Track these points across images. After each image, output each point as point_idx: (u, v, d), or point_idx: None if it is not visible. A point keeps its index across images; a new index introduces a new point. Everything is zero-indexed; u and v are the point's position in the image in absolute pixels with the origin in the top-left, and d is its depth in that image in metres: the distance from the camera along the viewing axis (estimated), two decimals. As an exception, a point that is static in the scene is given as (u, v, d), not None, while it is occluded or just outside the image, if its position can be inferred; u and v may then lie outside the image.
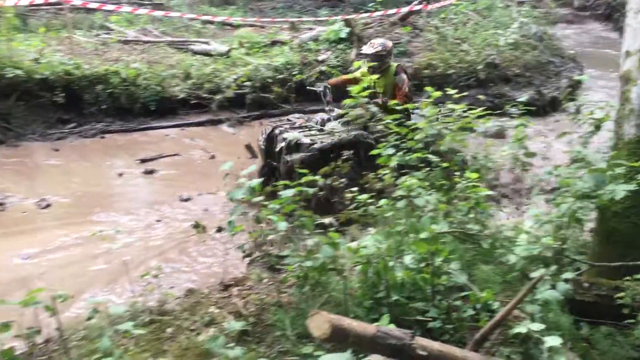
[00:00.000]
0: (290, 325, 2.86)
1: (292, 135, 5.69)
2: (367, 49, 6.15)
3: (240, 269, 4.19)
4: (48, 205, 6.27)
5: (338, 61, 10.63)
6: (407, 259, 2.91)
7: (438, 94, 4.02)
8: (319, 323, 2.07)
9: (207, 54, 10.82)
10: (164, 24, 12.59)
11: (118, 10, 11.61)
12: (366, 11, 12.57)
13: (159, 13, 12.14)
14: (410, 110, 6.00)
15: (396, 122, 5.16)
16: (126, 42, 11.02)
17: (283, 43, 11.32)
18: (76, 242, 5.49)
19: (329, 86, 6.25)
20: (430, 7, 12.60)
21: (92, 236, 5.30)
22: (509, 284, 3.05)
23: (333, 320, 2.06)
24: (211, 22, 12.80)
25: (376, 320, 2.62)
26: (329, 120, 6.15)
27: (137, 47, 10.84)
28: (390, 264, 2.95)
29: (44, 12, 11.75)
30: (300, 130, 5.90)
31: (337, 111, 6.13)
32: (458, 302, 2.83)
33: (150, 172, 7.28)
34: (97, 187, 6.91)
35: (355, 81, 6.27)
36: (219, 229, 4.72)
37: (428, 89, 4.21)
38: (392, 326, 2.31)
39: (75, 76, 8.88)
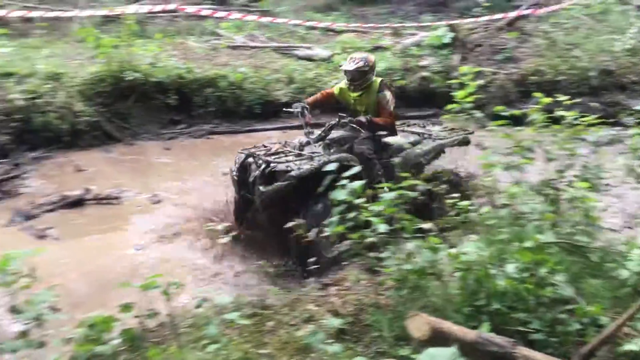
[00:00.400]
0: (387, 327, 2.88)
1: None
2: (347, 65, 5.47)
3: (338, 270, 4.26)
4: (159, 201, 6.67)
5: (441, 67, 10.53)
6: (510, 268, 2.84)
7: (547, 100, 3.89)
8: (419, 324, 2.09)
9: (310, 59, 11.07)
10: (271, 30, 12.98)
11: (228, 17, 12.13)
12: (471, 16, 12.32)
13: (266, 19, 12.54)
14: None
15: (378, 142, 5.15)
16: (234, 47, 11.48)
17: (385, 48, 11.35)
18: (184, 237, 5.79)
19: (307, 106, 5.57)
20: (539, 11, 12.15)
21: (200, 231, 5.62)
22: (619, 299, 2.90)
23: (433, 322, 2.07)
24: (315, 28, 13.05)
25: (475, 328, 2.59)
26: (307, 143, 5.39)
27: (245, 52, 11.27)
28: (492, 271, 2.89)
29: (161, 19, 12.48)
30: (276, 156, 5.18)
31: (317, 133, 5.44)
32: (563, 315, 2.72)
33: (253, 172, 7.54)
34: (204, 185, 7.25)
35: (334, 98, 5.84)
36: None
37: (536, 94, 4.08)
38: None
39: (187, 80, 9.41)
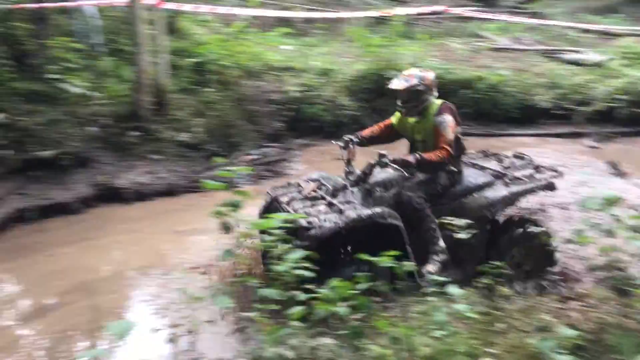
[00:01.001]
0: (631, 351, 2.64)
1: None
2: (397, 83, 4.24)
3: (584, 284, 3.99)
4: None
5: None
6: None
7: None
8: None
9: (578, 63, 10.35)
10: (539, 32, 12.44)
11: (494, 19, 11.94)
12: None
13: (534, 21, 12.04)
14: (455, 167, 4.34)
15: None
16: (497, 49, 11.28)
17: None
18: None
19: (355, 139, 4.38)
20: None
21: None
22: None
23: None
24: (589, 31, 12.13)
25: None
26: (344, 188, 4.20)
27: (507, 55, 11.01)
28: None
29: (426, 20, 12.82)
30: (304, 204, 4.12)
31: (357, 173, 4.25)
32: None
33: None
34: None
35: (393, 130, 4.56)
36: None
37: None
38: None
39: (445, 80, 9.51)
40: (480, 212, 4.27)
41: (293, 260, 2.60)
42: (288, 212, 3.94)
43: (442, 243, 4.12)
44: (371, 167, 4.18)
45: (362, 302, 2.47)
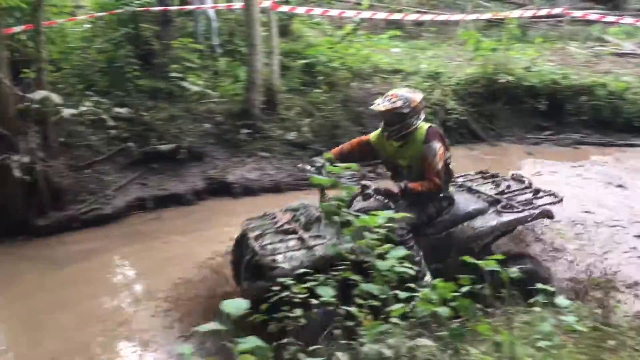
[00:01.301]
0: None
1: None
2: (380, 104, 3.84)
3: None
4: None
5: None
6: None
7: None
8: None
9: None
10: (668, 36, 11.58)
11: (618, 22, 11.26)
12: None
13: (664, 25, 11.22)
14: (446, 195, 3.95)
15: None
16: (621, 54, 10.65)
17: None
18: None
19: (327, 162, 3.82)
20: None
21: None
22: None
23: None
24: None
25: None
26: (317, 220, 3.81)
27: (632, 61, 10.37)
28: None
29: (544, 23, 12.31)
30: (274, 238, 3.73)
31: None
32: None
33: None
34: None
35: (369, 147, 4.11)
36: None
37: None
38: None
39: (561, 86, 9.13)
40: (466, 245, 3.92)
41: (395, 258, 2.61)
42: (254, 248, 3.67)
43: (428, 277, 3.72)
44: (352, 198, 3.81)
45: (465, 304, 2.44)
